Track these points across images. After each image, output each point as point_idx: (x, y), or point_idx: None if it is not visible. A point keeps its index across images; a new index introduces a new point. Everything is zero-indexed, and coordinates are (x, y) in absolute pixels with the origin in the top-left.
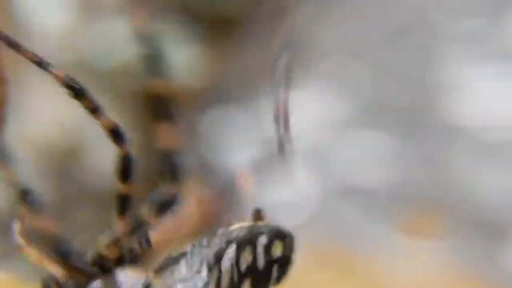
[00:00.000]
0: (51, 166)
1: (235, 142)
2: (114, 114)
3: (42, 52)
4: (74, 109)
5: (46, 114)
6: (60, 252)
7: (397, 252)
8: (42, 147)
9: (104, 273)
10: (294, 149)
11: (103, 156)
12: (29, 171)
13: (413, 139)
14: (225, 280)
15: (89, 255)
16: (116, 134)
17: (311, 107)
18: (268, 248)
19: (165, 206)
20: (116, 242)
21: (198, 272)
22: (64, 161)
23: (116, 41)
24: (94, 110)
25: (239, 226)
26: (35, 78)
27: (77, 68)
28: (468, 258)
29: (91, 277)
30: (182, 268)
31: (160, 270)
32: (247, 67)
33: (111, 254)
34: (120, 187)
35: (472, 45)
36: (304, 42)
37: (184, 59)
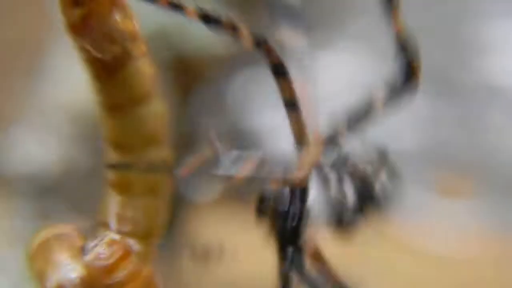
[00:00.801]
0: (84, 132)
1: (264, 106)
2: None
3: None
4: None
5: (79, 80)
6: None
7: (431, 213)
8: (75, 112)
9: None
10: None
11: None
12: (63, 137)
13: (447, 100)
14: None
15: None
16: None
17: (342, 69)
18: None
19: None
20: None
21: None
22: (97, 126)
23: (146, 8)
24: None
25: None
26: (68, 44)
27: None
28: (498, 218)
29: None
30: None
31: None
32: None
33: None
34: None
35: (508, 1)
36: (334, 2)
37: None
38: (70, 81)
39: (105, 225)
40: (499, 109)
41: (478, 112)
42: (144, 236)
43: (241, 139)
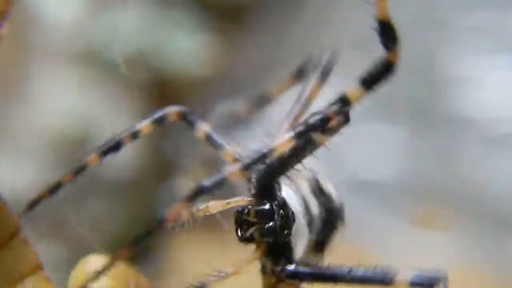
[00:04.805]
0: (61, 156)
1: (242, 136)
2: (124, 103)
3: (53, 43)
4: (85, 99)
5: (57, 104)
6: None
7: (408, 244)
8: (53, 137)
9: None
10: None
11: None
12: (41, 161)
13: (424, 132)
14: None
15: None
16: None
17: (321, 99)
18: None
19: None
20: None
21: None
22: (76, 151)
23: (126, 30)
24: None
25: None
26: (46, 68)
27: (88, 58)
28: (478, 249)
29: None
30: None
31: None
32: (257, 57)
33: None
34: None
35: (483, 37)
36: (311, 36)
37: (193, 47)
38: (46, 105)
39: None
40: (476, 141)
41: (456, 145)
42: None
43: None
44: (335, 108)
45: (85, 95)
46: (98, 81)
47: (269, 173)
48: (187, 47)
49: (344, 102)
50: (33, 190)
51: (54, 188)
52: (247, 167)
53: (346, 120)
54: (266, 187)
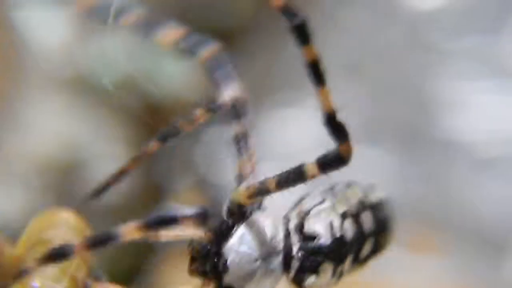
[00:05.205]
0: (50, 182)
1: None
2: (113, 128)
3: (42, 69)
4: (74, 124)
5: (46, 129)
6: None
7: (398, 269)
8: (43, 162)
9: (241, 221)
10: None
11: (103, 172)
12: (29, 187)
13: (412, 155)
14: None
15: (227, 206)
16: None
17: (309, 126)
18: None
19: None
20: (254, 191)
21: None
22: (64, 176)
23: (115, 56)
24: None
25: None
26: (35, 94)
27: (77, 83)
28: (469, 273)
29: (230, 228)
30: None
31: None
32: (246, 81)
33: (249, 202)
34: None
35: (469, 62)
36: (300, 60)
37: (181, 71)
38: (35, 131)
39: None
40: (465, 165)
41: (444, 168)
42: None
43: (208, 192)
44: (194, 212)
45: (74, 120)
46: (87, 107)
47: (218, 219)
48: (175, 71)
49: (300, 174)
50: (23, 215)
51: (118, 176)
52: (93, 246)
53: (204, 222)
54: (216, 230)
